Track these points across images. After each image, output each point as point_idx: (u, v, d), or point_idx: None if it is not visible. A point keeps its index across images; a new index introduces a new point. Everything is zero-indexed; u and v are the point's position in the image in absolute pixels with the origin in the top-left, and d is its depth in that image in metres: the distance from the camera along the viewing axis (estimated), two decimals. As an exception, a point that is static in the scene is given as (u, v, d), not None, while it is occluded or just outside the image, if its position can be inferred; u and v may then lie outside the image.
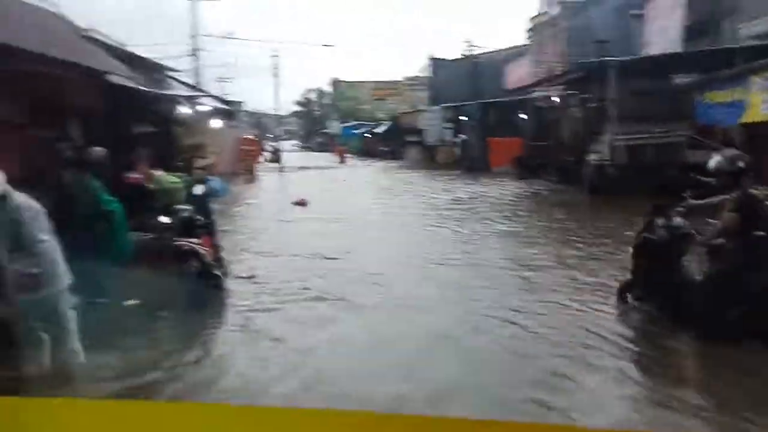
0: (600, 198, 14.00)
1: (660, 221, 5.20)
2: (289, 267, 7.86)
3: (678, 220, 5.12)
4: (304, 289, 6.67)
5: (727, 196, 5.05)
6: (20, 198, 3.60)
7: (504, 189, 18.10)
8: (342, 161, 37.28)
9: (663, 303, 5.10)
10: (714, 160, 4.96)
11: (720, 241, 4.72)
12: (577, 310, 5.69)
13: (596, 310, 5.64)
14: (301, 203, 14.78)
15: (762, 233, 4.54)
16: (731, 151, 4.99)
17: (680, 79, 15.83)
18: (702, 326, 4.62)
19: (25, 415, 0.80)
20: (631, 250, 5.54)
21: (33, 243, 3.57)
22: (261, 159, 31.77)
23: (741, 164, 4.78)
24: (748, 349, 4.45)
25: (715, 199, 6.27)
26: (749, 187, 4.68)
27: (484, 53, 30.98)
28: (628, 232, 8.59)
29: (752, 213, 4.60)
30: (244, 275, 7.20)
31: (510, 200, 15.60)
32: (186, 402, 3.81)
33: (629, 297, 5.54)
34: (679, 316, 4.88)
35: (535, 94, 22.69)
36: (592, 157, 15.63)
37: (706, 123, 14.89)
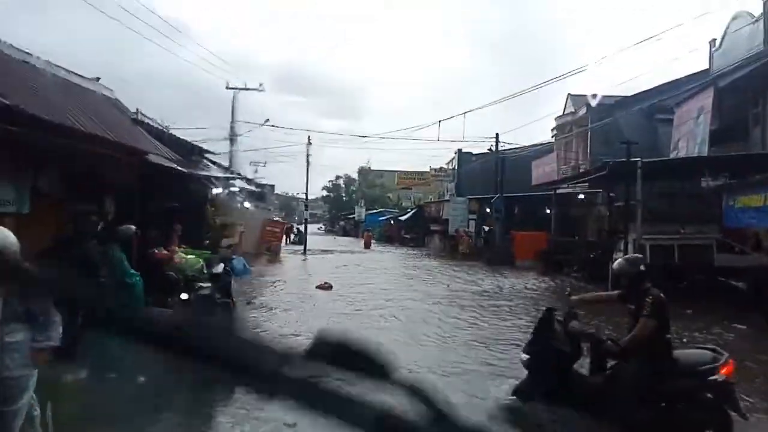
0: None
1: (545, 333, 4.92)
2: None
3: (562, 335, 4.83)
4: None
5: (613, 293, 5.29)
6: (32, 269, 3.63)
7: (528, 283, 17.83)
8: (367, 246, 37.50)
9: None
10: (616, 262, 4.94)
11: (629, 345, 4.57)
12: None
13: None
14: (325, 287, 14.78)
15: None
16: (634, 255, 5.00)
17: (708, 183, 15.88)
18: None
19: None
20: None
21: (46, 317, 3.54)
22: (286, 240, 32.19)
23: (641, 267, 4.84)
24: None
25: (603, 294, 6.20)
26: (650, 291, 4.68)
27: (510, 149, 31.71)
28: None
29: (664, 318, 4.61)
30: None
31: (534, 295, 15.31)
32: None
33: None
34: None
35: (561, 191, 22.91)
36: (618, 256, 15.42)
37: (735, 226, 14.73)
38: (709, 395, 4.55)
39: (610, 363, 4.83)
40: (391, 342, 8.54)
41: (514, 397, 5.00)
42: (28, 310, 3.49)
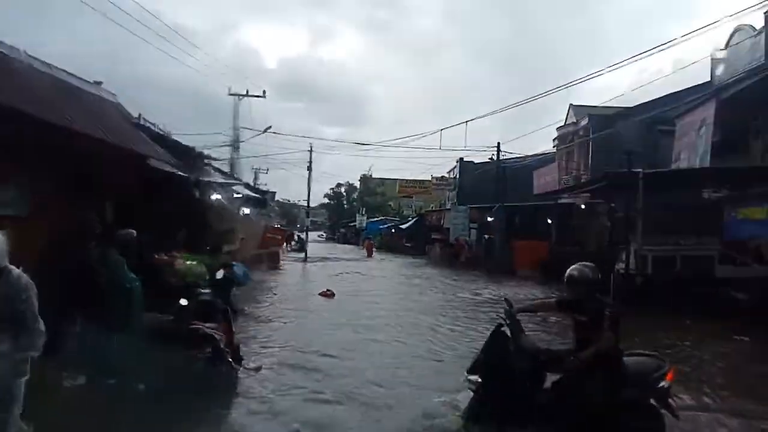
0: (626, 310, 13.55)
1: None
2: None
3: (517, 352, 4.70)
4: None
5: (551, 301, 5.32)
6: (21, 276, 3.51)
7: (529, 293, 17.75)
8: (369, 255, 37.37)
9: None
10: (575, 268, 4.79)
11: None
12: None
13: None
14: (327, 294, 14.76)
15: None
16: (590, 264, 4.88)
17: (710, 194, 15.86)
18: None
19: None
20: None
21: (31, 323, 3.44)
22: (286, 247, 32.13)
23: (596, 276, 4.75)
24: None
25: (542, 303, 6.13)
26: (605, 302, 4.68)
27: (511, 158, 31.76)
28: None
29: (618, 331, 4.58)
30: (251, 365, 6.91)
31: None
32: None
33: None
34: None
35: (562, 200, 22.90)
36: (619, 267, 15.38)
37: (736, 238, 14.69)
38: (652, 401, 4.55)
39: (552, 377, 4.65)
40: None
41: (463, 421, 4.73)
42: (17, 316, 3.41)
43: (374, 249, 41.06)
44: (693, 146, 18.40)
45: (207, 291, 6.44)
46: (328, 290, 15.06)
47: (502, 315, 4.93)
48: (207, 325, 5.91)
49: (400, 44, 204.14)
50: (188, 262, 7.46)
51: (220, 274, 7.23)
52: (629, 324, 11.77)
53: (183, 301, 6.00)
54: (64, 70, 10.27)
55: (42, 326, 3.49)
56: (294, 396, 5.99)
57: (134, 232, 5.74)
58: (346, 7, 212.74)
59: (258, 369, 6.82)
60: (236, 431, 5.07)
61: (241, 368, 6.44)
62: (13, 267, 3.50)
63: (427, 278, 22.31)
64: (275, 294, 15.53)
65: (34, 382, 3.58)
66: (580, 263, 4.86)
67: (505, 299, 5.28)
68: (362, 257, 35.92)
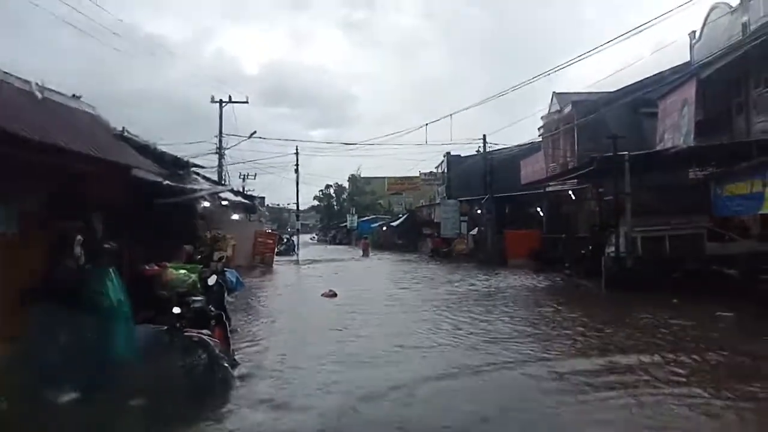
0: (617, 292, 13.68)
1: None
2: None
3: None
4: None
5: None
6: None
7: (522, 281, 17.85)
8: (365, 254, 37.06)
9: None
10: None
11: None
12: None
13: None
14: (330, 295, 14.80)
15: None
16: None
17: (696, 173, 16.00)
18: None
19: None
20: None
21: None
22: (277, 251, 31.91)
23: None
24: None
25: None
26: None
27: (498, 149, 31.86)
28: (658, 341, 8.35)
29: None
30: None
31: (525, 294, 15.30)
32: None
33: None
34: None
35: (551, 188, 23.00)
36: (609, 250, 15.50)
37: (724, 214, 14.83)
38: None
39: None
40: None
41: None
42: None
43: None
44: (677, 127, 18.55)
45: (200, 298, 6.41)
46: (331, 291, 15.06)
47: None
48: (201, 331, 5.89)
49: (381, 42, 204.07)
50: (181, 271, 7.42)
51: (212, 281, 7.19)
52: (619, 305, 12.03)
53: (176, 310, 5.97)
54: (43, 86, 10.16)
55: None
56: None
57: (115, 244, 5.70)
58: (324, 8, 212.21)
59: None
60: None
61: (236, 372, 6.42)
62: None
63: (425, 275, 22.32)
64: (269, 300, 15.47)
65: (24, 397, 3.55)
66: None
67: None
68: (357, 257, 35.86)
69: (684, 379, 6.42)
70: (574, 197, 22.93)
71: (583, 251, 18.31)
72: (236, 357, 6.98)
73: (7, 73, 9.00)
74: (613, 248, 15.27)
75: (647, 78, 22.79)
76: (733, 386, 6.00)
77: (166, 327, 5.88)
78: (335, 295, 14.80)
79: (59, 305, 4.91)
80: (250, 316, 11.98)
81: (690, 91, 17.76)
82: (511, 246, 24.50)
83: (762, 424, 5.23)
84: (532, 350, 8.20)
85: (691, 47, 20.03)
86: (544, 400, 5.80)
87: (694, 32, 19.85)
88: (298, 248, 34.31)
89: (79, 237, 6.58)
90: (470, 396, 6.04)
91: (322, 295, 14.88)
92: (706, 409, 5.40)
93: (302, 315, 12.57)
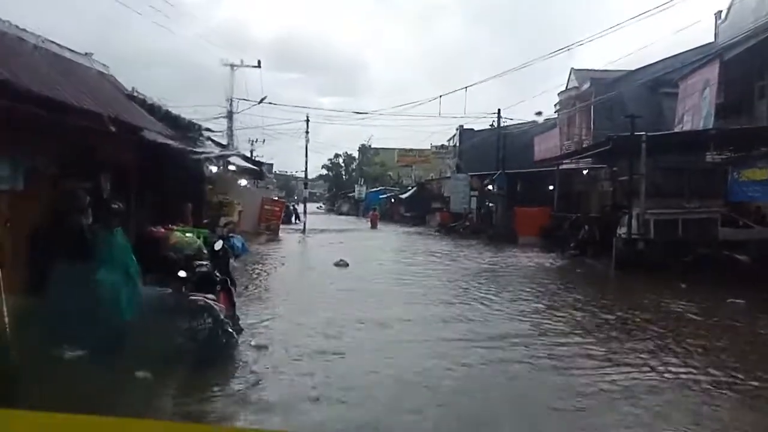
0: (628, 273, 13.56)
1: None
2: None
3: None
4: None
5: None
6: None
7: (529, 260, 17.76)
8: (374, 226, 36.71)
9: None
10: None
11: None
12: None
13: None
14: (342, 264, 14.86)
15: None
16: None
17: (713, 156, 15.68)
18: None
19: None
20: None
21: None
22: (284, 219, 31.93)
23: None
24: None
25: None
26: None
27: (512, 125, 31.42)
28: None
29: None
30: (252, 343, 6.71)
31: (532, 274, 15.15)
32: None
33: None
34: None
35: (564, 166, 22.71)
36: (622, 231, 15.32)
37: (739, 200, 14.60)
38: None
39: None
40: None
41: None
42: None
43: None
44: (697, 108, 18.14)
45: (206, 263, 6.37)
46: (342, 260, 15.06)
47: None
48: (206, 296, 5.86)
49: (395, 7, 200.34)
50: (187, 235, 7.39)
51: (218, 246, 7.16)
52: (629, 287, 11.96)
53: (182, 273, 5.94)
54: (55, 42, 10.02)
55: None
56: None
57: (122, 205, 5.64)
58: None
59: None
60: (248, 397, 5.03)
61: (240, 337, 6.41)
62: None
63: (436, 249, 22.27)
64: (274, 271, 15.48)
65: (31, 351, 3.54)
66: None
67: None
68: (365, 228, 35.79)
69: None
70: (588, 176, 22.66)
71: (582, 231, 18.04)
72: (241, 322, 6.96)
73: (20, 28, 8.88)
74: (625, 229, 15.10)
75: (668, 58, 22.25)
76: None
77: (171, 290, 5.86)
78: (347, 265, 14.83)
79: (67, 262, 4.88)
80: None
81: (713, 72, 17.30)
82: (521, 223, 24.30)
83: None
84: (531, 327, 8.20)
85: (716, 28, 19.46)
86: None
87: (719, 12, 19.27)
88: (305, 216, 34.08)
89: (88, 198, 6.54)
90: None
91: (334, 264, 14.89)
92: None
93: (307, 292, 11.75)
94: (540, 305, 10.07)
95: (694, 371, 6.02)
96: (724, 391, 5.44)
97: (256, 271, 13.67)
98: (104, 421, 0.65)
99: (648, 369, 6.11)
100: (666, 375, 5.93)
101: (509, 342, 7.25)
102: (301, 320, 8.12)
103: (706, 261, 12.78)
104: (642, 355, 6.66)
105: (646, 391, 5.40)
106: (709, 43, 19.87)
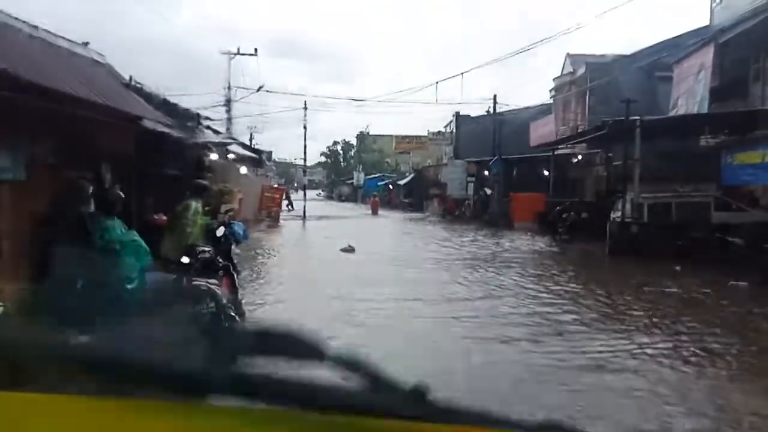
0: (622, 257, 13.73)
1: None
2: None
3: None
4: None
5: None
6: None
7: (524, 244, 17.93)
8: (374, 212, 36.84)
9: None
10: None
11: None
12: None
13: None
14: (349, 250, 15.04)
15: None
16: None
17: (707, 140, 15.80)
18: None
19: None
20: None
21: None
22: (284, 206, 32.02)
23: None
24: None
25: None
26: None
27: (507, 111, 31.44)
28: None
29: None
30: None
31: (526, 257, 15.37)
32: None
33: None
34: None
35: (559, 151, 22.81)
36: (616, 215, 15.49)
37: (733, 183, 14.73)
38: None
39: None
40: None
41: None
42: None
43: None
44: (691, 92, 18.21)
45: (208, 249, 6.49)
46: (349, 246, 15.20)
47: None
48: (209, 281, 6.00)
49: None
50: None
51: (220, 232, 7.27)
52: (623, 270, 12.13)
53: (184, 259, 6.06)
54: (51, 32, 10.07)
55: None
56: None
57: (120, 192, 5.73)
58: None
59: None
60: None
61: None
62: None
63: (434, 234, 22.43)
64: (270, 251, 15.65)
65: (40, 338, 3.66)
66: None
67: None
68: (365, 214, 35.87)
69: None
70: (582, 161, 22.76)
71: (590, 215, 18.11)
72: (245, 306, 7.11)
73: (16, 18, 8.93)
74: (619, 214, 15.25)
75: (663, 41, 22.26)
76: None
77: (174, 276, 5.99)
78: (353, 250, 14.97)
79: (70, 251, 4.99)
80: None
81: (707, 55, 17.35)
82: (517, 209, 24.46)
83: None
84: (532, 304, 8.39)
85: (712, 10, 19.45)
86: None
87: (715, -6, 19.24)
88: (304, 202, 34.11)
89: (82, 185, 6.63)
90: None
91: (341, 250, 15.04)
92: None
93: (315, 276, 12.11)
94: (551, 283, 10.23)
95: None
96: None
97: (259, 258, 13.85)
98: (109, 404, 0.71)
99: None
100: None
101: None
102: (309, 306, 8.32)
103: (699, 244, 12.94)
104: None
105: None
106: (705, 27, 19.86)
